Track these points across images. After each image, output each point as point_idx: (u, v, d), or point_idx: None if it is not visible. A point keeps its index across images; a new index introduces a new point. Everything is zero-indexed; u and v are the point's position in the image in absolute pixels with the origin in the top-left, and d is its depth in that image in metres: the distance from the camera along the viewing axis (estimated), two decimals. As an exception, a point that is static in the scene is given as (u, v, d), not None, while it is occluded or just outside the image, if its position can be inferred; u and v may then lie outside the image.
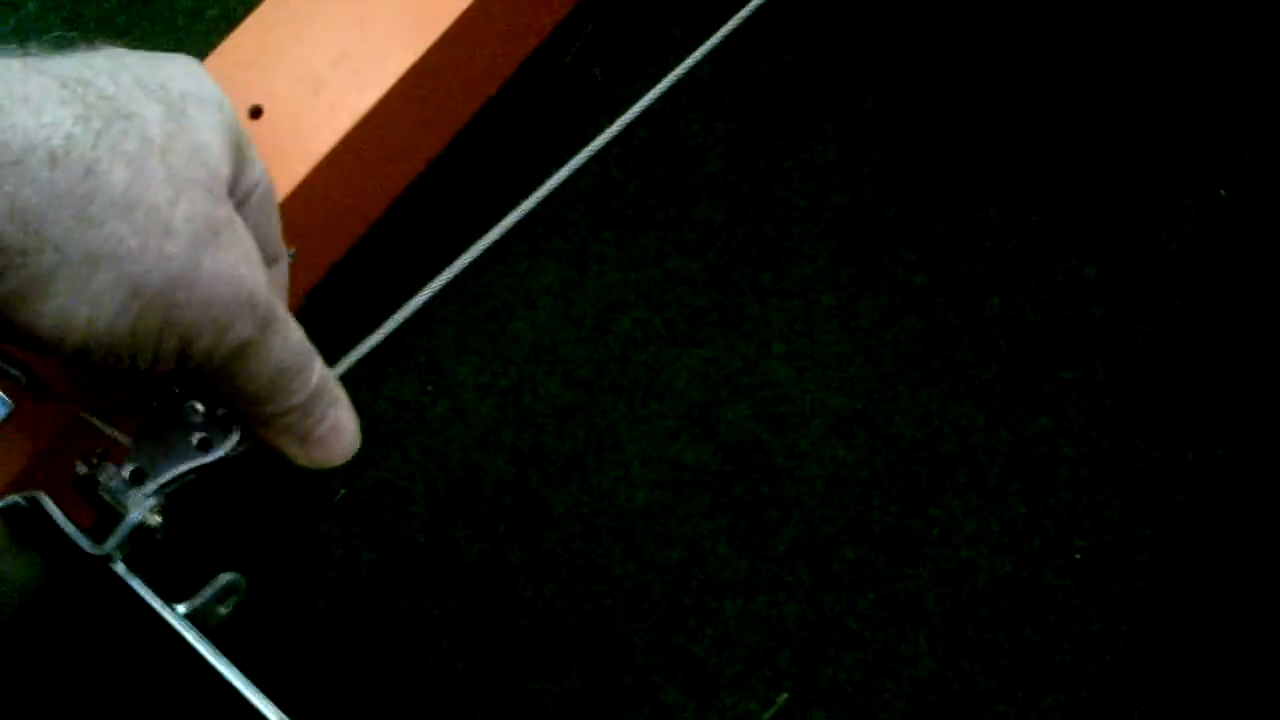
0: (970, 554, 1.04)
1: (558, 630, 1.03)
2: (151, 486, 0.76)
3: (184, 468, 0.76)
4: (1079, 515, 1.04)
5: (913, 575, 1.03)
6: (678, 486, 1.07)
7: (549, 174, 1.18)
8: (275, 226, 0.78)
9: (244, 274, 0.63)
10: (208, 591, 0.81)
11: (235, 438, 0.77)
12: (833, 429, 1.08)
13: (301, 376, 0.71)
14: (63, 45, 0.64)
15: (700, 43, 1.28)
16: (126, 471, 0.76)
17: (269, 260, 0.75)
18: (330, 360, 0.80)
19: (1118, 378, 1.08)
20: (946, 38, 1.22)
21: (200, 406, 0.75)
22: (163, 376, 0.70)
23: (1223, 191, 1.13)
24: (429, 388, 1.12)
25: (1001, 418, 1.08)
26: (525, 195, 0.97)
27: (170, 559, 0.88)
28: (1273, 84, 1.17)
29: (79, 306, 0.56)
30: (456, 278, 1.15)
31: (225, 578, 0.82)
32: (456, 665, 1.03)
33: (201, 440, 0.76)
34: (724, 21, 1.28)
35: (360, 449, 1.05)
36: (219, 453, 0.76)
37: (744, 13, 1.00)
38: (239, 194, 0.69)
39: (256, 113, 0.89)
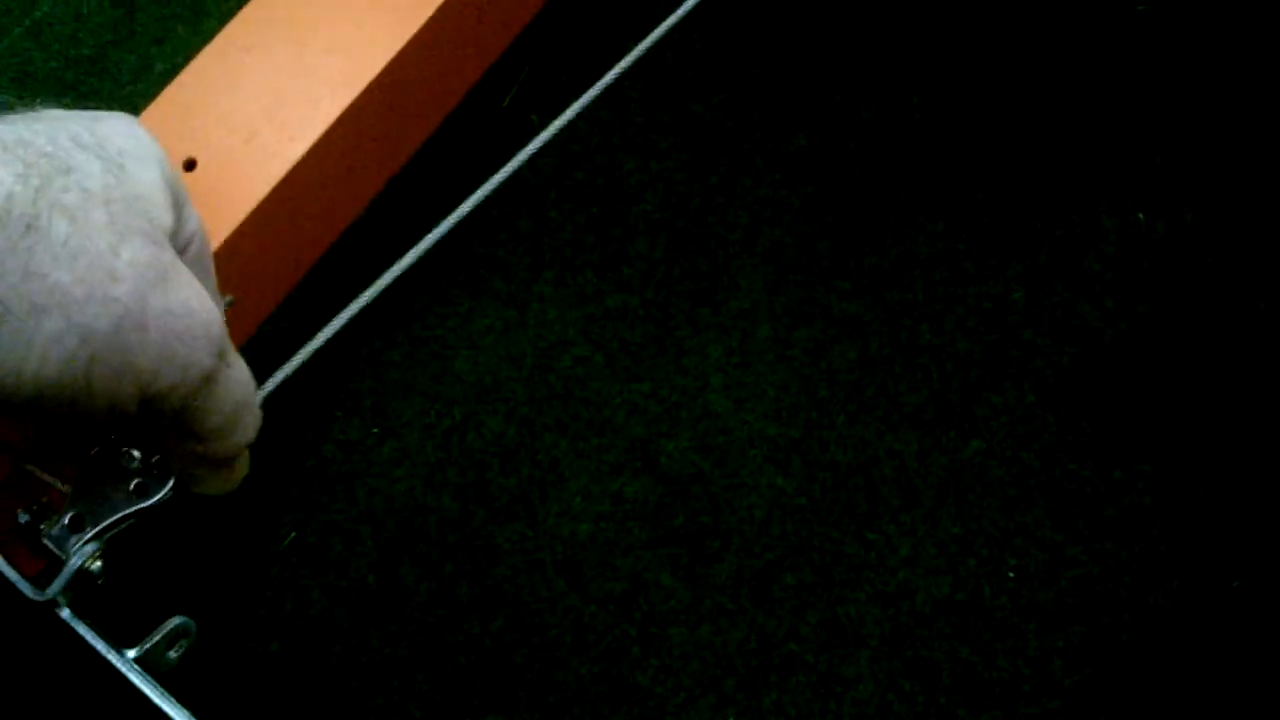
0: (907, 576, 1.06)
1: (505, 665, 1.04)
2: (91, 532, 0.77)
3: (122, 513, 0.77)
4: (1011, 534, 1.06)
5: (852, 599, 1.06)
6: (620, 519, 1.09)
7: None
8: (212, 277, 0.79)
9: (196, 307, 0.64)
10: (157, 636, 0.83)
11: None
12: (770, 458, 1.11)
13: (252, 410, 0.73)
14: (2, 110, 0.66)
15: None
16: (66, 518, 0.77)
17: None
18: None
19: (1045, 399, 1.11)
20: (873, 76, 1.25)
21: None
22: (118, 424, 0.72)
23: (1140, 215, 1.16)
24: (375, 429, 1.14)
25: (934, 442, 1.10)
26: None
27: (119, 606, 0.90)
28: (1186, 107, 1.21)
29: (28, 357, 0.57)
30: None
31: (174, 621, 0.83)
32: (407, 704, 1.04)
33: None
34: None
35: (306, 492, 1.07)
36: (156, 498, 0.78)
37: (651, 38, 1.02)
38: (178, 244, 0.71)
39: (190, 165, 0.91)
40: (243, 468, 0.80)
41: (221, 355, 0.66)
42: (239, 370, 0.70)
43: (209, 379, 0.66)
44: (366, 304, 0.95)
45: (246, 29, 0.96)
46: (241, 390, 0.71)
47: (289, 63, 0.93)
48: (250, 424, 0.73)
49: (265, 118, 0.92)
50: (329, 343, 0.93)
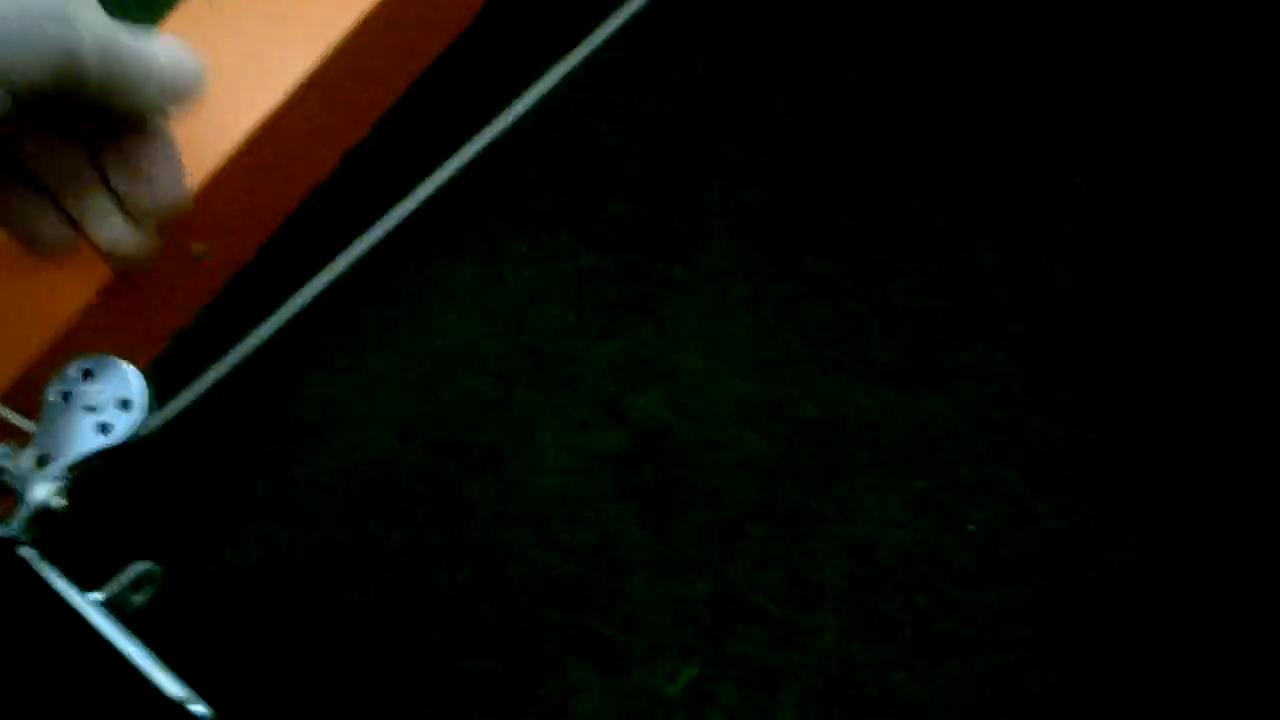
0: (871, 530, 1.07)
1: (473, 614, 1.06)
2: (55, 469, 0.79)
3: (86, 450, 0.79)
4: (976, 490, 1.07)
5: (817, 552, 1.07)
6: (589, 473, 1.10)
7: (465, 176, 1.21)
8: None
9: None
10: (123, 578, 0.84)
11: (135, 420, 0.80)
12: (741, 413, 1.12)
13: (149, 75, 0.71)
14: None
15: (616, 47, 1.31)
16: (31, 456, 0.79)
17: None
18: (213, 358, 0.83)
19: (1015, 358, 1.12)
20: (852, 43, 1.25)
21: (98, 392, 0.78)
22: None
23: (1113, 177, 1.17)
24: (348, 384, 1.15)
25: (903, 398, 1.11)
26: (439, 196, 1.00)
27: (87, 550, 0.91)
28: (1157, 70, 1.21)
29: None
30: (376, 276, 1.18)
31: (140, 565, 0.85)
32: (375, 653, 1.05)
33: (102, 425, 0.79)
34: (638, 29, 1.32)
35: (280, 445, 1.08)
36: (119, 436, 0.79)
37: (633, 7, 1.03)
38: None
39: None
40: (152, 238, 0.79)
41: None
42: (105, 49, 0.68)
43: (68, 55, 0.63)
44: (351, 263, 0.96)
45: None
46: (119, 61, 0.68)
47: (260, 17, 0.94)
48: (148, 88, 0.71)
49: (236, 71, 0.93)
50: (313, 297, 0.94)
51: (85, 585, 0.83)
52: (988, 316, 1.13)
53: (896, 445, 1.09)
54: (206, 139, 0.92)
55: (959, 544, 1.05)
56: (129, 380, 0.82)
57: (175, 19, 0.95)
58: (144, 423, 0.82)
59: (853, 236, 1.17)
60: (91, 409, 0.80)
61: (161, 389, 1.06)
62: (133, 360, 0.94)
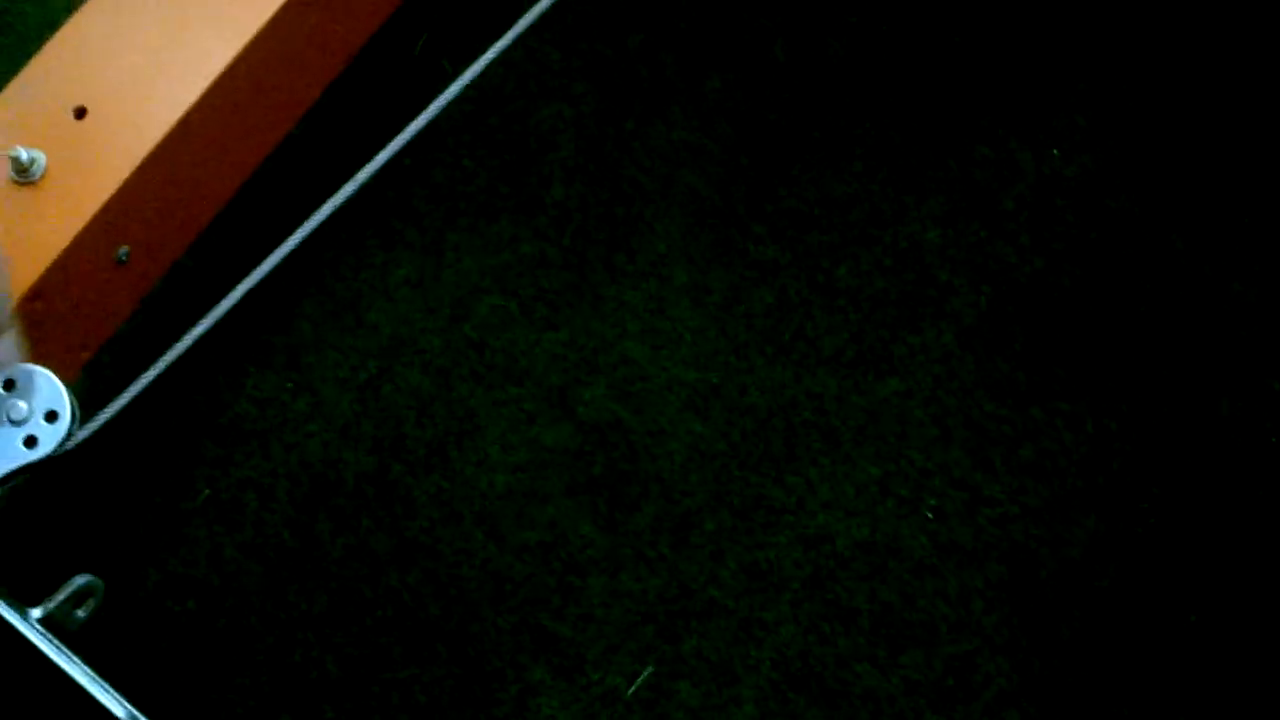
0: (827, 519, 1.06)
1: (423, 617, 1.04)
2: (-21, 486, 0.76)
3: (12, 465, 0.76)
4: (930, 475, 1.06)
5: (772, 543, 1.05)
6: (538, 468, 1.08)
7: (400, 166, 1.18)
8: None
9: None
10: (61, 594, 0.81)
11: (61, 434, 0.77)
12: (689, 404, 1.10)
13: None
14: None
15: (550, 28, 1.29)
16: (-47, 474, 0.76)
17: None
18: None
19: (963, 339, 1.11)
20: (786, 16, 1.23)
21: (24, 404, 0.75)
22: None
23: (1055, 150, 1.16)
24: (289, 384, 1.13)
25: (852, 384, 1.10)
26: (374, 188, 0.97)
27: (27, 570, 0.88)
28: (1101, 43, 1.20)
29: None
30: (313, 272, 1.15)
31: (80, 579, 0.82)
32: (325, 658, 1.03)
33: (27, 438, 0.76)
34: (572, 9, 1.29)
35: (221, 449, 1.05)
36: (45, 450, 0.76)
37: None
38: None
39: (81, 113, 0.89)
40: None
41: None
42: None
43: None
44: (278, 262, 0.93)
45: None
46: None
47: (175, 10, 0.91)
48: None
49: (155, 66, 0.90)
50: (241, 297, 0.91)
51: (24, 601, 0.80)
52: (934, 298, 1.12)
53: (848, 432, 1.08)
54: (123, 137, 0.89)
55: (916, 530, 1.04)
56: (55, 391, 0.79)
57: (86, 13, 0.92)
58: (72, 434, 0.79)
59: (795, 218, 1.16)
60: (16, 422, 0.77)
61: (94, 394, 1.03)
62: (62, 368, 0.91)
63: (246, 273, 0.92)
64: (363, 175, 0.96)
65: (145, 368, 0.89)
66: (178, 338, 0.89)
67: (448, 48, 1.25)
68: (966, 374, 1.09)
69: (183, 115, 0.88)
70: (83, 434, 0.79)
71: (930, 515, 1.05)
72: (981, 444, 1.07)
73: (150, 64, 0.89)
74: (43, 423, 0.77)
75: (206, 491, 1.09)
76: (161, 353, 0.89)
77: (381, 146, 1.15)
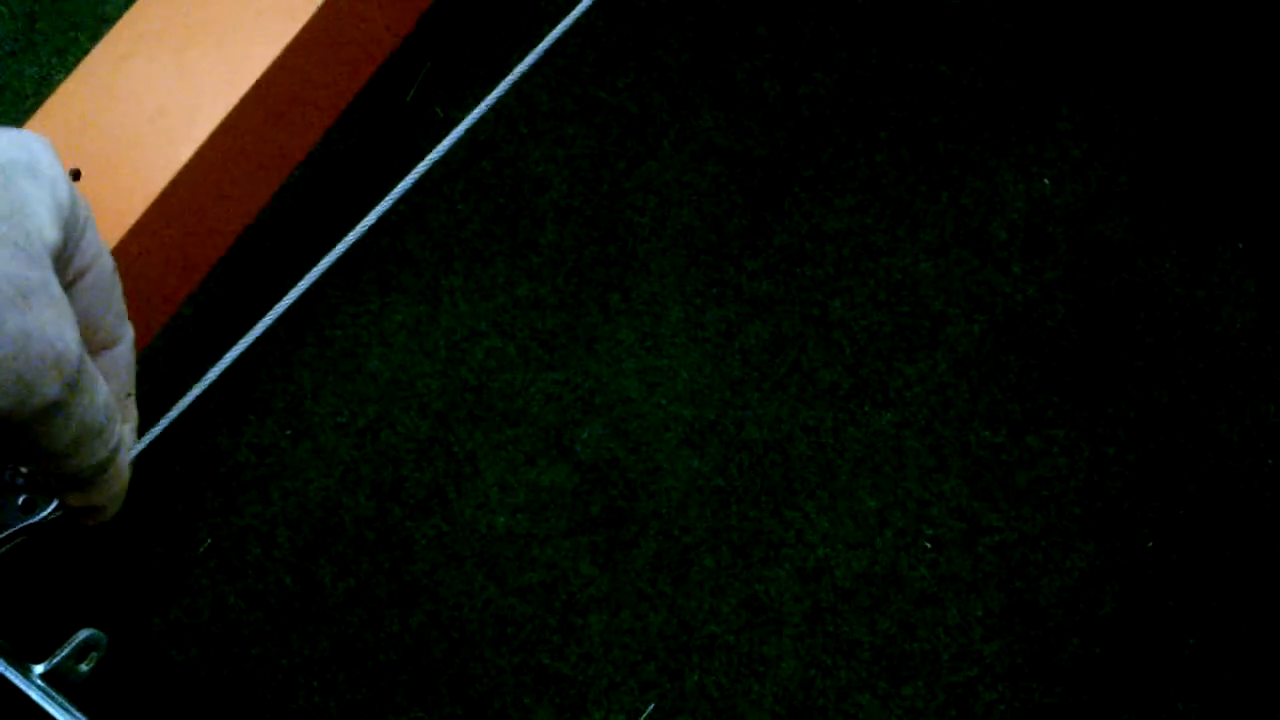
0: (826, 551, 1.06)
1: (426, 660, 1.04)
2: (-22, 550, 0.77)
3: (10, 529, 0.76)
4: (927, 505, 1.07)
5: (771, 577, 1.06)
6: (537, 509, 1.09)
7: (395, 212, 1.19)
8: (114, 308, 0.77)
9: (52, 335, 0.62)
10: (65, 649, 0.82)
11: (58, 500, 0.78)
12: (686, 440, 1.10)
13: (102, 437, 0.71)
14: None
15: (541, 71, 1.30)
16: (-46, 538, 0.76)
17: (105, 341, 0.75)
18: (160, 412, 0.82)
19: (957, 369, 1.11)
20: (774, 53, 1.24)
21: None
22: None
23: (1046, 179, 1.17)
24: (288, 431, 1.13)
25: (849, 416, 1.10)
26: (369, 234, 0.98)
27: (30, 626, 0.89)
28: (1089, 71, 1.21)
29: None
30: (310, 319, 1.16)
31: (83, 634, 0.82)
32: (328, 703, 1.03)
33: (26, 502, 0.76)
34: (562, 53, 1.30)
35: (222, 498, 1.06)
36: (43, 513, 0.77)
37: (553, 35, 1.01)
38: (71, 272, 0.69)
39: (76, 175, 0.90)
40: (108, 490, 0.78)
41: (71, 386, 0.64)
42: (90, 399, 0.68)
43: (53, 406, 0.64)
44: (281, 313, 0.94)
45: (125, 37, 0.95)
46: (91, 418, 0.68)
47: (168, 69, 0.92)
48: (99, 449, 0.71)
49: (148, 125, 0.91)
50: (238, 355, 0.92)
51: (28, 657, 0.81)
52: (928, 328, 1.13)
53: (846, 464, 1.08)
54: (116, 200, 0.90)
55: (915, 561, 1.05)
56: (54, 453, 0.79)
57: (78, 77, 0.93)
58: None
59: (788, 253, 1.16)
60: (16, 486, 0.78)
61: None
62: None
63: (243, 321, 0.93)
64: (364, 224, 0.97)
65: (144, 416, 0.90)
66: (176, 387, 0.90)
67: (439, 94, 1.26)
68: (962, 404, 1.10)
69: (175, 175, 0.89)
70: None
71: (929, 545, 1.05)
72: (978, 473, 1.08)
73: (143, 125, 0.91)
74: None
75: (208, 540, 1.10)
76: (162, 404, 0.90)
77: (376, 192, 1.16)
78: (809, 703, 1.01)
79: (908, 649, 1.02)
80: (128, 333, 0.76)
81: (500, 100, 1.05)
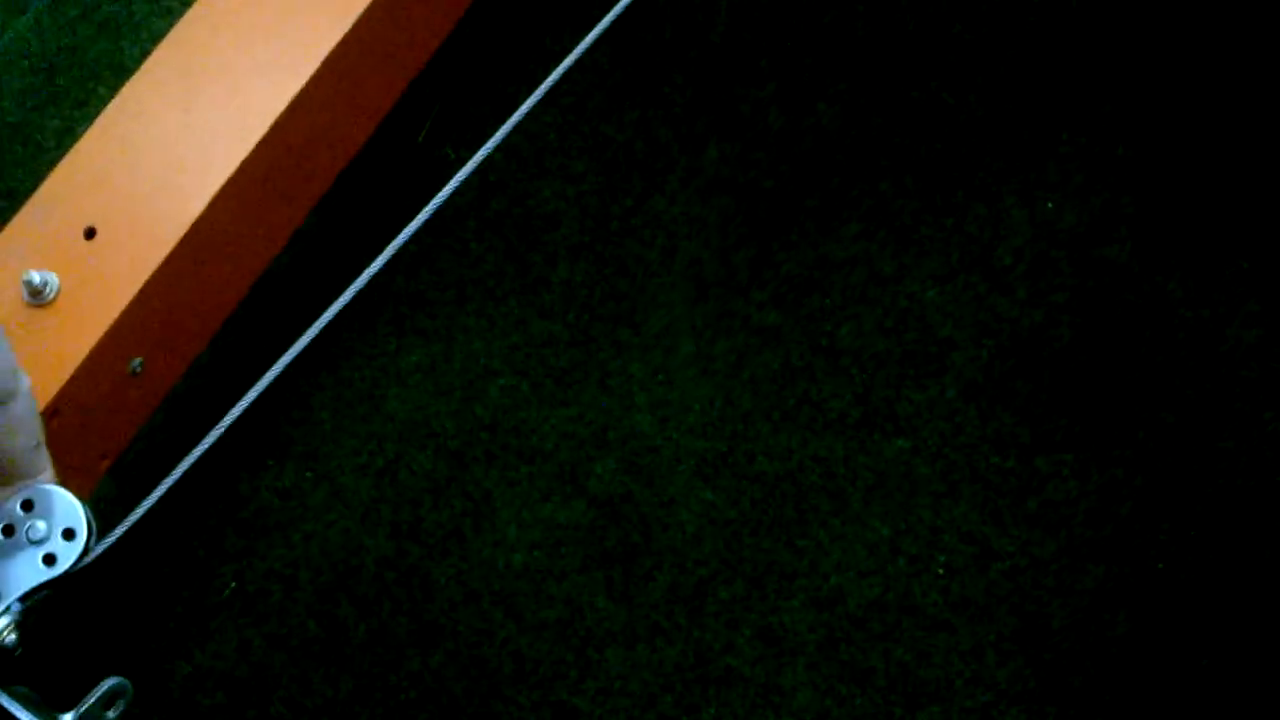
0: (839, 580, 1.07)
1: (447, 698, 1.06)
2: (2, 606, 0.79)
3: (32, 584, 0.79)
4: (939, 531, 1.07)
5: (786, 608, 1.07)
6: (553, 545, 1.10)
7: (407, 253, 1.21)
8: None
9: None
10: (91, 698, 0.84)
11: (78, 550, 0.80)
12: (698, 473, 1.12)
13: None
14: None
15: (549, 109, 1.32)
16: (-22, 598, 0.79)
17: None
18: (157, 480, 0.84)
19: (966, 394, 1.12)
20: (777, 85, 1.26)
21: (42, 524, 0.78)
22: None
23: (1050, 203, 1.17)
24: (308, 474, 1.15)
25: (859, 444, 1.11)
26: (384, 276, 1.00)
27: (57, 675, 0.91)
28: (1089, 95, 1.22)
29: None
30: (327, 362, 1.18)
31: (109, 682, 0.85)
32: (353, 743, 1.05)
33: (46, 556, 0.79)
34: (569, 90, 1.32)
35: (245, 541, 1.08)
36: (64, 566, 0.79)
37: (557, 73, 1.03)
38: None
39: (91, 234, 0.93)
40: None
41: None
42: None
43: None
44: (293, 358, 0.96)
45: (135, 95, 0.97)
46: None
47: (178, 126, 0.95)
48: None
49: (159, 183, 0.94)
50: (255, 398, 0.94)
51: (57, 706, 0.83)
52: (936, 354, 1.14)
53: (857, 493, 1.10)
54: (131, 255, 0.92)
55: (928, 588, 1.06)
56: (72, 509, 0.82)
57: (93, 135, 0.95)
58: (89, 549, 0.82)
59: (796, 283, 1.18)
60: (36, 541, 0.80)
61: (122, 492, 1.06)
62: (84, 477, 0.94)
63: (262, 365, 0.95)
64: (377, 263, 0.99)
65: (167, 461, 0.92)
66: (198, 432, 0.92)
67: (450, 134, 1.28)
68: (971, 429, 1.11)
69: (187, 231, 0.92)
70: (100, 548, 0.83)
71: (941, 571, 1.06)
72: (989, 498, 1.08)
73: (156, 181, 0.93)
74: (61, 540, 0.81)
75: (233, 584, 1.12)
76: (183, 447, 0.92)
77: (389, 234, 1.18)
78: (826, 731, 1.02)
79: (922, 675, 1.03)
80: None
81: (509, 139, 1.07)
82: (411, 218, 1.18)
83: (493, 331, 1.19)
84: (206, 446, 0.90)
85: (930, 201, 1.19)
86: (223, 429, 0.92)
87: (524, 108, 1.09)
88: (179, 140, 0.95)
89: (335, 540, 1.12)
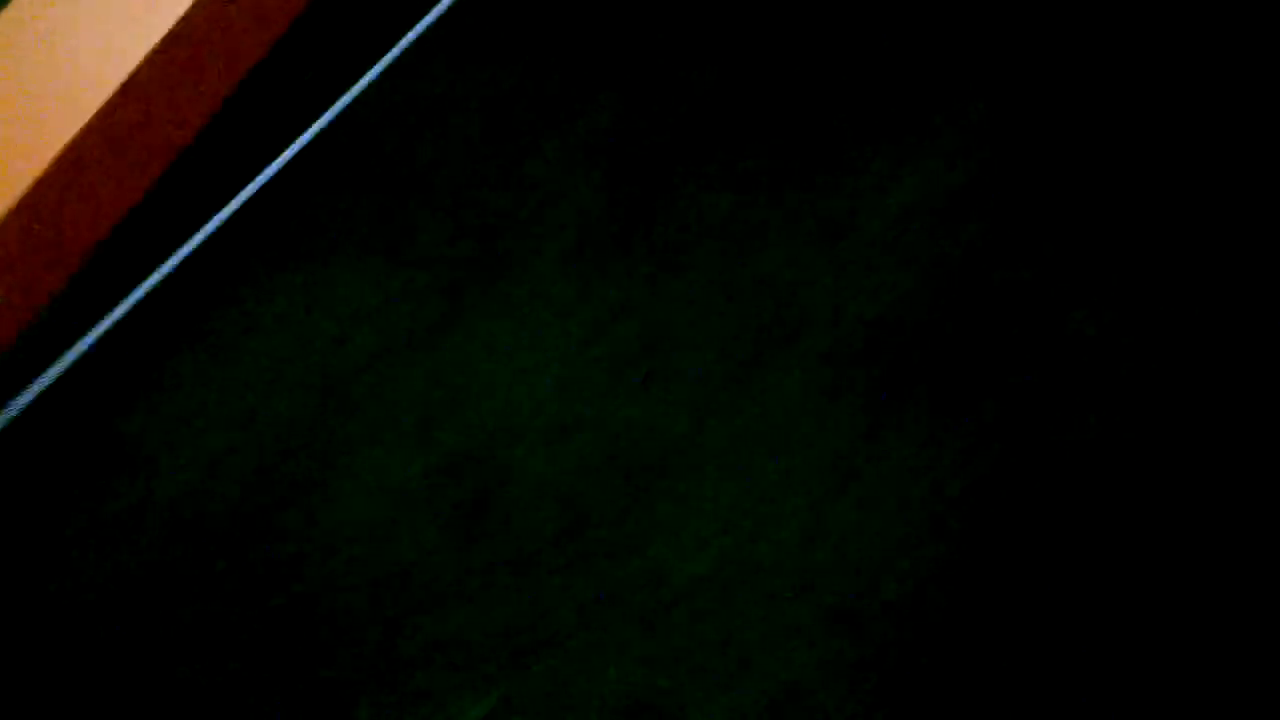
0: (670, 551, 1.08)
1: (289, 647, 1.07)
2: None
3: None
4: (779, 503, 1.09)
5: (616, 576, 1.08)
6: (398, 499, 1.11)
7: (278, 202, 1.21)
8: None
9: None
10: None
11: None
12: (548, 436, 1.13)
13: None
14: None
15: (427, 63, 1.32)
16: None
17: None
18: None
19: (819, 365, 1.13)
20: (664, 48, 1.26)
21: None
22: None
23: (915, 180, 1.19)
24: (161, 418, 1.16)
25: (710, 412, 1.13)
26: (252, 223, 1.00)
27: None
28: (958, 73, 1.23)
29: None
30: (190, 309, 1.18)
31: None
32: (194, 683, 1.06)
33: None
34: (457, 35, 1.32)
35: (101, 481, 1.07)
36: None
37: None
38: None
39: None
40: None
41: None
42: None
43: None
44: (143, 296, 0.96)
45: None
46: None
47: (39, 66, 0.94)
48: None
49: (21, 114, 0.93)
50: (115, 338, 0.94)
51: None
52: (792, 325, 1.15)
53: (703, 463, 1.11)
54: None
55: (761, 560, 1.08)
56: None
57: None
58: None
59: (665, 249, 1.19)
60: None
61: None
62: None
63: (115, 305, 0.95)
64: (234, 204, 0.99)
65: (17, 394, 0.92)
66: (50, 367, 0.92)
67: (331, 77, 1.28)
68: (823, 400, 1.13)
69: (52, 159, 0.92)
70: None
71: (776, 543, 1.08)
72: (835, 470, 1.10)
73: (15, 112, 0.93)
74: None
75: (83, 520, 1.12)
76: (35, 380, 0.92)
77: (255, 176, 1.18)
78: (649, 701, 1.04)
79: (748, 643, 1.05)
80: None
81: (389, 85, 1.07)
82: (276, 159, 1.18)
83: (360, 283, 1.20)
84: (46, 385, 0.90)
85: (800, 174, 1.20)
86: (71, 361, 0.92)
87: (397, 48, 1.09)
88: (38, 79, 0.94)
89: (184, 488, 1.13)
